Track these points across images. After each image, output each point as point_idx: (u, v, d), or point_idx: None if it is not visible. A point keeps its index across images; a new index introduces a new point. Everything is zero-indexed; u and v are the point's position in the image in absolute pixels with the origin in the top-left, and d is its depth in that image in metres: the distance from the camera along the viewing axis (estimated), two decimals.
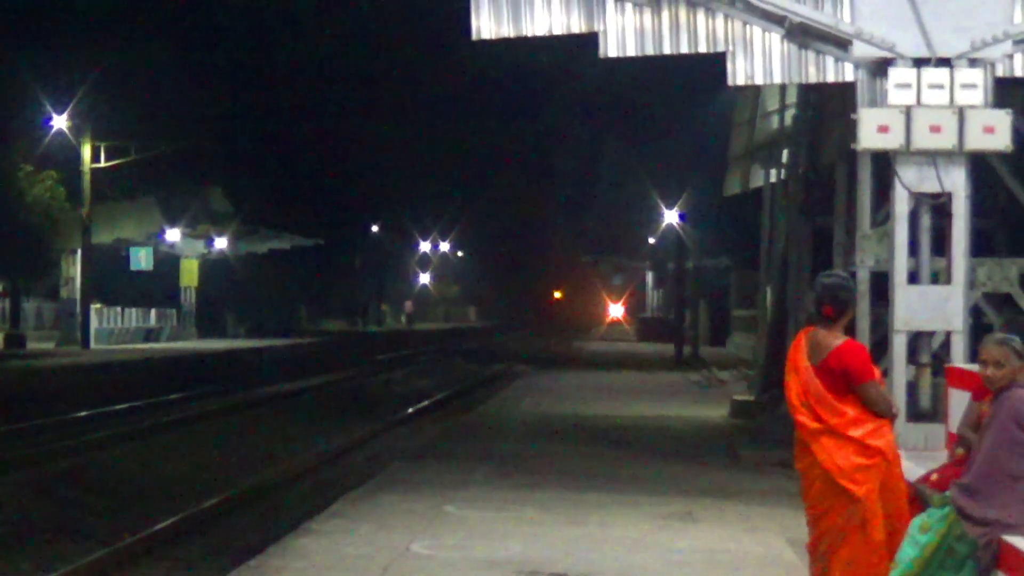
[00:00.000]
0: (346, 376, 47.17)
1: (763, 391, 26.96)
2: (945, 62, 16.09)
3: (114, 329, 59.52)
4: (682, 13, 16.90)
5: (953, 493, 8.55)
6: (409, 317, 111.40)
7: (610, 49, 17.04)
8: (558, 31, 17.07)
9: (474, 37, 17.11)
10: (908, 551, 8.57)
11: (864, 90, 16.54)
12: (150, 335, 62.53)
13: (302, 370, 48.63)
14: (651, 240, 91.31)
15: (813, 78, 17.09)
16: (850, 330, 18.75)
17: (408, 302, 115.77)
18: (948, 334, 16.25)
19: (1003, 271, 18.46)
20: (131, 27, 75.87)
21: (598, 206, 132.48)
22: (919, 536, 8.59)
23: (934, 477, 9.15)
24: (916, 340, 16.47)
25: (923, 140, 15.90)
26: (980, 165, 17.86)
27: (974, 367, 9.85)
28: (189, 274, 68.67)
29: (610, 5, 16.94)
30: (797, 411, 8.79)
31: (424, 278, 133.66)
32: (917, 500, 9.06)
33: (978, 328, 17.53)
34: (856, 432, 8.63)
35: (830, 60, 16.80)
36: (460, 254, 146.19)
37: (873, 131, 15.99)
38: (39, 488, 19.43)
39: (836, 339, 8.77)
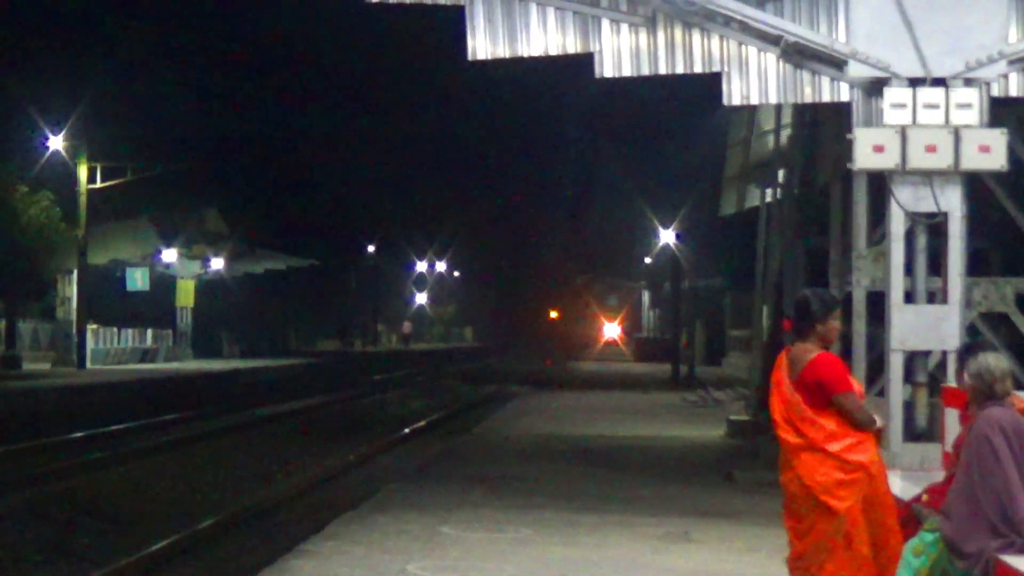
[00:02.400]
0: (341, 396, 47.10)
1: (759, 411, 26.92)
2: (940, 82, 16.12)
3: (110, 349, 59.46)
4: (677, 33, 16.93)
5: (939, 520, 8.54)
6: (406, 337, 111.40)
7: (605, 69, 17.05)
8: (554, 51, 17.10)
9: (470, 57, 17.13)
10: (903, 574, 8.56)
11: (859, 110, 16.57)
12: (146, 355, 62.48)
13: (297, 391, 48.57)
14: (647, 260, 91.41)
15: (808, 98, 17.12)
16: (846, 349, 18.76)
17: (406, 323, 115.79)
18: (944, 354, 16.25)
19: (999, 291, 18.46)
20: (127, 48, 76.00)
21: (593, 226, 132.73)
22: (913, 560, 8.58)
23: (924, 498, 9.14)
24: (912, 360, 16.46)
25: (918, 160, 15.93)
26: (975, 185, 17.88)
27: None
28: (185, 294, 68.65)
29: (605, 25, 16.97)
30: (780, 427, 8.82)
31: (420, 298, 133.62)
32: (913, 520, 9.04)
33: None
34: (835, 447, 8.61)
35: (825, 80, 16.83)
36: (456, 274, 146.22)
37: (869, 151, 16.02)
38: (34, 509, 19.36)
39: (811, 352, 8.77)
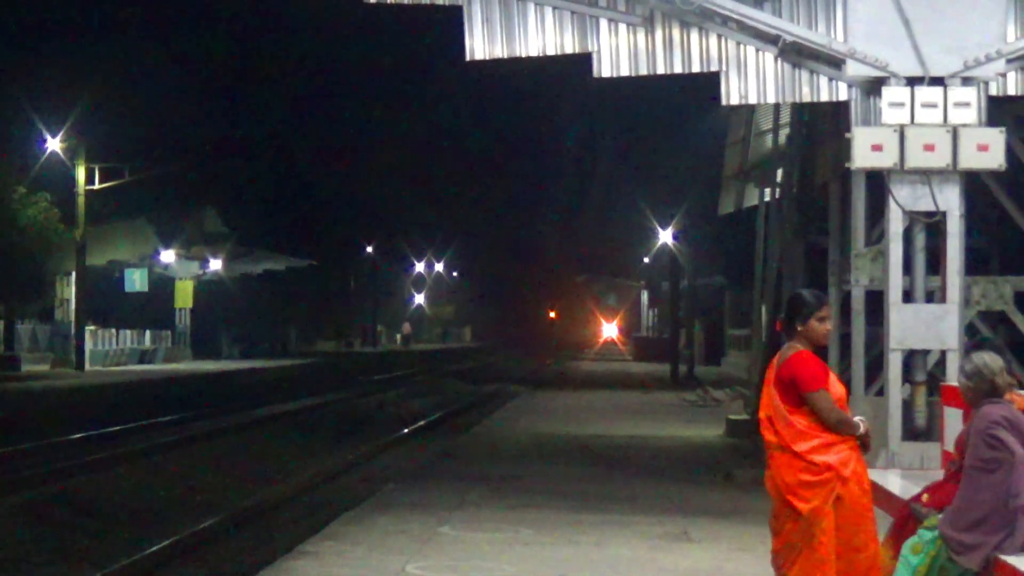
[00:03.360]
0: (340, 397, 47.10)
1: (758, 410, 26.93)
2: (938, 81, 16.12)
3: (109, 351, 59.46)
4: (675, 33, 16.93)
5: (941, 521, 8.54)
6: (406, 338, 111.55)
7: (604, 69, 17.05)
8: (551, 51, 17.10)
9: (468, 58, 17.13)
10: (902, 573, 8.57)
11: (858, 109, 16.57)
12: (145, 356, 62.48)
13: (297, 391, 48.56)
14: (646, 259, 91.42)
15: (807, 97, 17.12)
16: (844, 349, 18.75)
17: (406, 323, 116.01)
18: (943, 352, 16.25)
19: (997, 289, 18.48)
20: (125, 49, 75.98)
21: (592, 226, 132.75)
22: (911, 557, 8.59)
23: (925, 497, 9.15)
24: (911, 359, 16.46)
25: (917, 159, 15.93)
26: (974, 184, 17.88)
27: None
28: (183, 295, 68.66)
29: (603, 25, 16.97)
30: (762, 426, 8.85)
31: (419, 299, 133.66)
32: (912, 519, 9.05)
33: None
34: (802, 446, 8.61)
35: (824, 79, 16.83)
36: (455, 274, 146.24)
37: (867, 150, 16.02)
38: (33, 511, 19.35)
39: (792, 351, 8.79)
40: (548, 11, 16.99)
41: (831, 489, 8.56)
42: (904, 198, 16.13)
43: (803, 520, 8.55)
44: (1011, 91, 16.67)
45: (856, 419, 8.72)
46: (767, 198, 30.51)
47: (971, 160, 15.96)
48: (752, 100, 17.45)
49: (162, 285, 66.83)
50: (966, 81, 16.16)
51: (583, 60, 17.16)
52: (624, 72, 17.09)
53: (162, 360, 63.68)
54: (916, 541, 8.65)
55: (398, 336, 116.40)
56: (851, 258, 18.12)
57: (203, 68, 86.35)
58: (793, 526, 8.61)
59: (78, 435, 30.33)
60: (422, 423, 35.42)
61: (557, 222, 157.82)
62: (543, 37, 17.01)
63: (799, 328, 8.80)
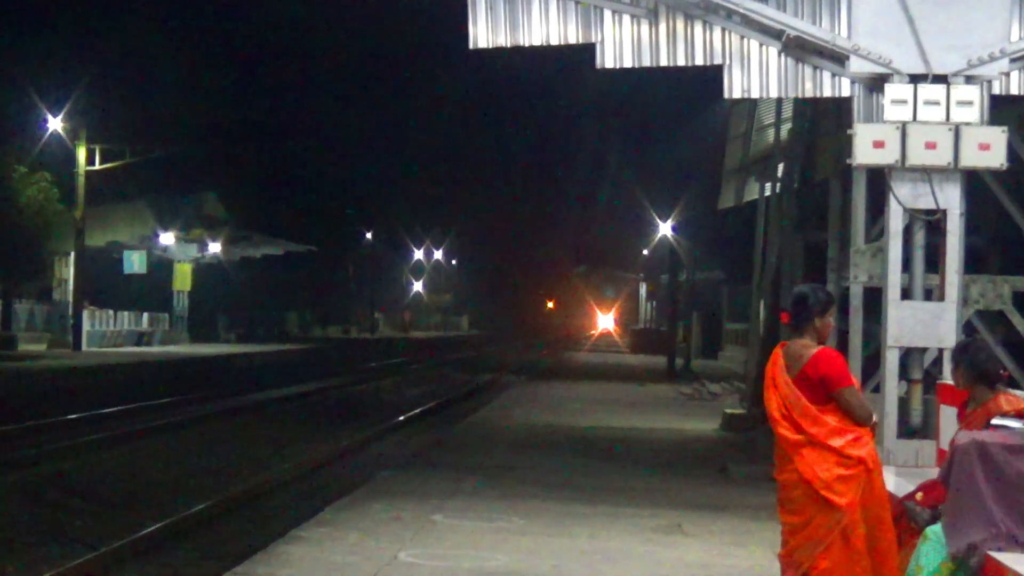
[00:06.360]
0: (336, 383, 47.11)
1: (755, 405, 26.93)
2: (941, 79, 16.08)
3: (106, 332, 59.45)
4: (679, 25, 16.89)
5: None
6: (407, 325, 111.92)
7: (607, 60, 17.01)
8: (555, 41, 17.05)
9: (471, 46, 17.09)
10: (931, 556, 8.56)
11: (860, 105, 16.53)
12: (142, 338, 62.47)
13: (293, 377, 48.56)
14: (645, 252, 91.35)
15: (809, 92, 17.07)
16: (842, 345, 18.76)
17: (407, 311, 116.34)
18: (940, 351, 16.24)
19: (996, 288, 18.47)
20: (128, 31, 75.90)
21: (592, 217, 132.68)
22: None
23: (919, 496, 9.14)
24: (908, 356, 16.45)
25: (918, 156, 15.89)
26: (974, 183, 17.85)
27: None
28: (182, 278, 68.65)
29: (607, 16, 16.93)
30: (778, 424, 8.79)
31: (417, 286, 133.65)
32: (904, 518, 9.04)
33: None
34: (836, 442, 8.62)
35: (827, 75, 16.79)
36: (454, 263, 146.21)
37: (868, 147, 15.98)
38: (27, 491, 19.36)
39: (811, 348, 8.77)
40: (552, 0, 16.96)
41: (861, 481, 8.60)
42: (905, 195, 16.09)
43: (838, 515, 8.55)
44: (1014, 90, 16.62)
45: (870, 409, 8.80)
46: (767, 193, 30.50)
47: (972, 159, 15.92)
48: (754, 94, 17.40)
49: (161, 267, 66.84)
50: (969, 79, 16.12)
51: (586, 51, 17.13)
52: (627, 64, 17.05)
53: (159, 342, 63.69)
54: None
55: (401, 320, 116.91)
56: (850, 254, 18.10)
57: (205, 51, 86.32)
58: (823, 520, 8.59)
59: (73, 416, 30.34)
60: (417, 411, 35.44)
61: (557, 212, 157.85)
62: (547, 26, 16.97)
63: (816, 323, 8.81)
